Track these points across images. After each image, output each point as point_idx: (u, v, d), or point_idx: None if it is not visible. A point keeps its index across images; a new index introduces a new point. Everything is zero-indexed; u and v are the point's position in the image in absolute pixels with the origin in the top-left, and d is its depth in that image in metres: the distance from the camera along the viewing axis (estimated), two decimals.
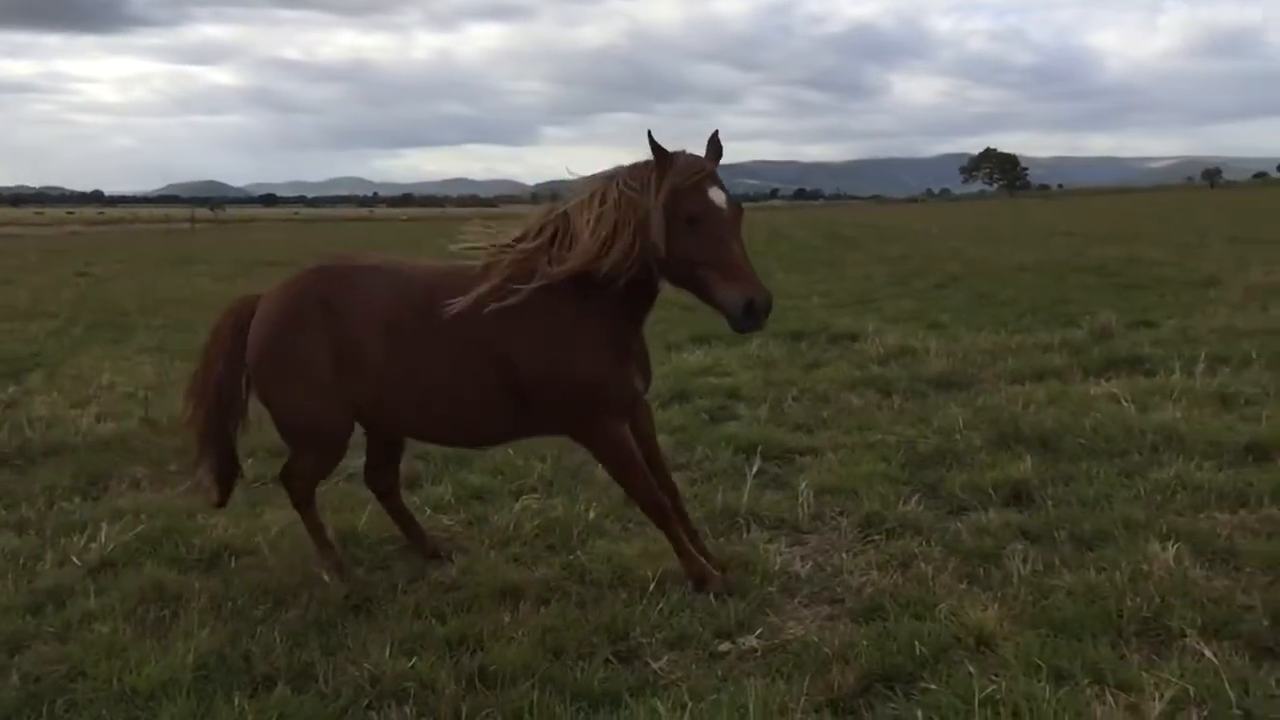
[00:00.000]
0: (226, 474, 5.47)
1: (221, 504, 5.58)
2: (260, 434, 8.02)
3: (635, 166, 4.67)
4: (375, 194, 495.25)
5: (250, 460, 7.39)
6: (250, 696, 3.99)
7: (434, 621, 4.59)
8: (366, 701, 3.97)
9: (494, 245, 4.89)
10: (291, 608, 4.81)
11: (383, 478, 5.64)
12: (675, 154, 4.54)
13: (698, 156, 4.60)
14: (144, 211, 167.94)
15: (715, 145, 4.67)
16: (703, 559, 5.01)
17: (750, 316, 4.33)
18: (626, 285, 4.64)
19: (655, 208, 4.47)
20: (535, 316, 4.71)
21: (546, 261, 4.69)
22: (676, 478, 6.77)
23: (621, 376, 4.83)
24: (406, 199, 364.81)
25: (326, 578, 5.09)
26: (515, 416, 4.92)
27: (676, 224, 4.43)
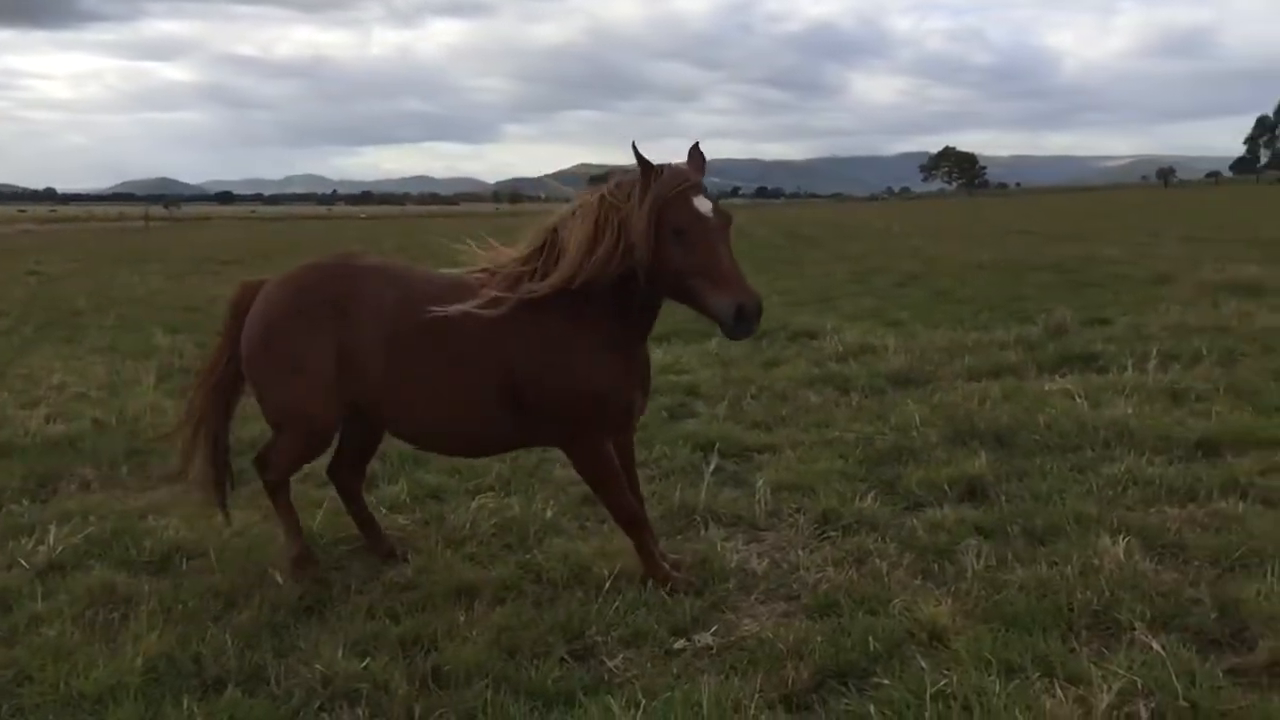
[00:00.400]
0: (220, 471, 5.46)
1: (223, 508, 5.55)
2: None
3: (621, 180, 4.68)
4: (334, 192, 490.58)
5: None
6: (200, 699, 3.93)
7: (388, 622, 4.56)
8: (319, 703, 3.93)
9: (494, 265, 4.92)
10: (243, 609, 4.75)
11: (349, 475, 5.62)
12: (660, 166, 4.54)
13: (682, 168, 4.59)
14: (98, 209, 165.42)
15: (697, 156, 4.70)
16: (666, 565, 5.01)
17: (741, 321, 4.34)
18: (624, 296, 4.65)
19: (638, 214, 4.47)
20: (535, 327, 4.72)
21: (532, 274, 4.72)
22: None
23: (620, 387, 4.83)
24: (366, 197, 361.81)
25: (280, 578, 5.03)
26: (515, 426, 4.92)
27: (664, 236, 4.43)
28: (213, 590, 4.99)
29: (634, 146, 4.59)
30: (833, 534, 5.59)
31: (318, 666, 4.09)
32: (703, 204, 4.46)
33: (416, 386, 4.89)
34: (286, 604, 4.80)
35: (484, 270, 4.94)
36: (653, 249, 4.44)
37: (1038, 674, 3.81)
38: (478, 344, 4.76)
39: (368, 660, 4.13)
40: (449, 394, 4.88)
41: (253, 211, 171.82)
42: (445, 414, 4.97)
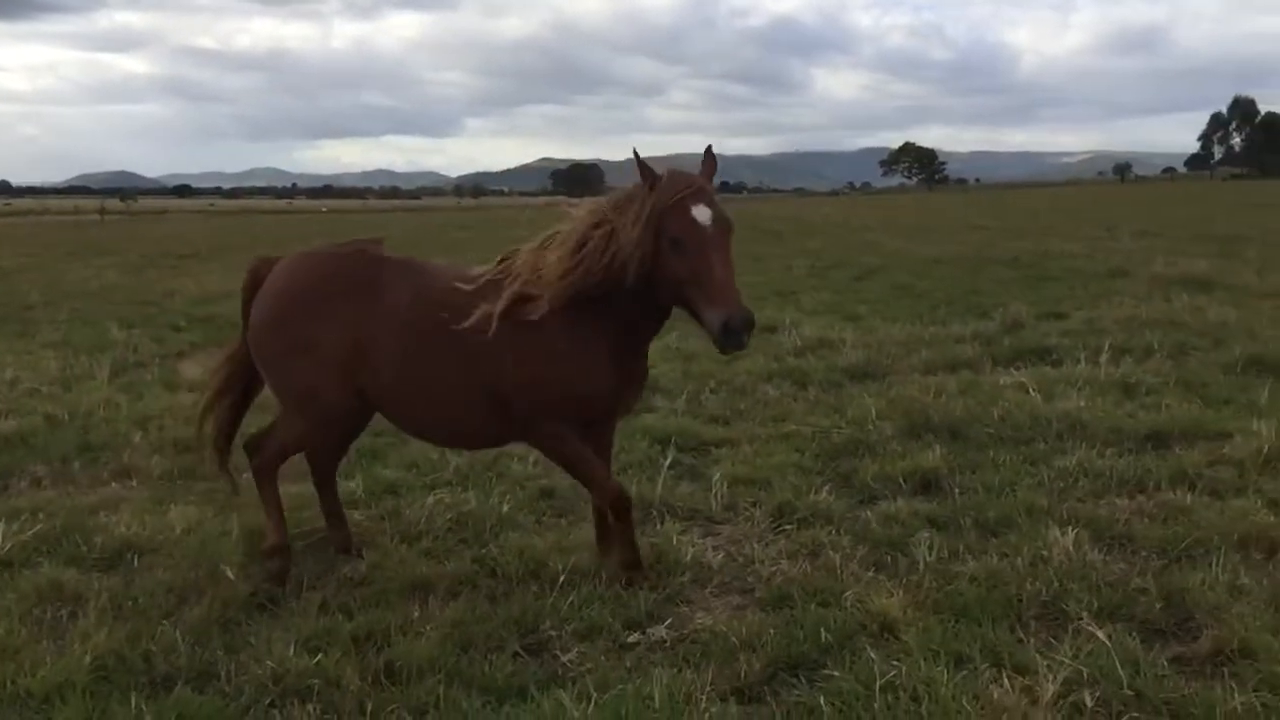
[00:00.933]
0: (223, 450, 5.57)
1: (230, 481, 5.68)
2: (164, 430, 7.88)
3: (629, 188, 4.62)
4: (294, 185, 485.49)
5: (155, 457, 7.25)
6: (149, 697, 3.89)
7: (341, 617, 4.52)
8: (269, 700, 3.90)
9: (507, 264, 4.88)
10: (194, 606, 4.69)
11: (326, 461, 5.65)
12: (661, 175, 4.48)
13: (686, 174, 4.54)
14: (53, 203, 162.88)
15: (710, 160, 4.65)
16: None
17: (728, 335, 4.26)
18: (625, 305, 4.59)
19: (633, 225, 4.43)
20: (531, 331, 4.64)
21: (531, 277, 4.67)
22: None
23: (614, 389, 4.77)
24: (326, 190, 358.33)
25: (231, 574, 4.97)
26: (506, 423, 4.89)
27: (662, 245, 4.38)
28: (164, 587, 4.93)
29: (635, 154, 4.58)
30: (788, 527, 5.62)
31: (269, 663, 4.05)
32: (701, 213, 4.38)
33: (420, 382, 4.90)
34: (238, 600, 4.75)
35: (503, 260, 4.88)
36: (653, 259, 4.39)
37: (986, 664, 3.85)
38: (477, 344, 4.71)
39: (319, 656, 4.10)
40: (448, 391, 4.88)
41: (211, 205, 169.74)
42: (444, 412, 4.98)
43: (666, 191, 4.41)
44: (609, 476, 4.93)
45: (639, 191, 4.52)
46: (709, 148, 4.69)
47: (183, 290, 19.12)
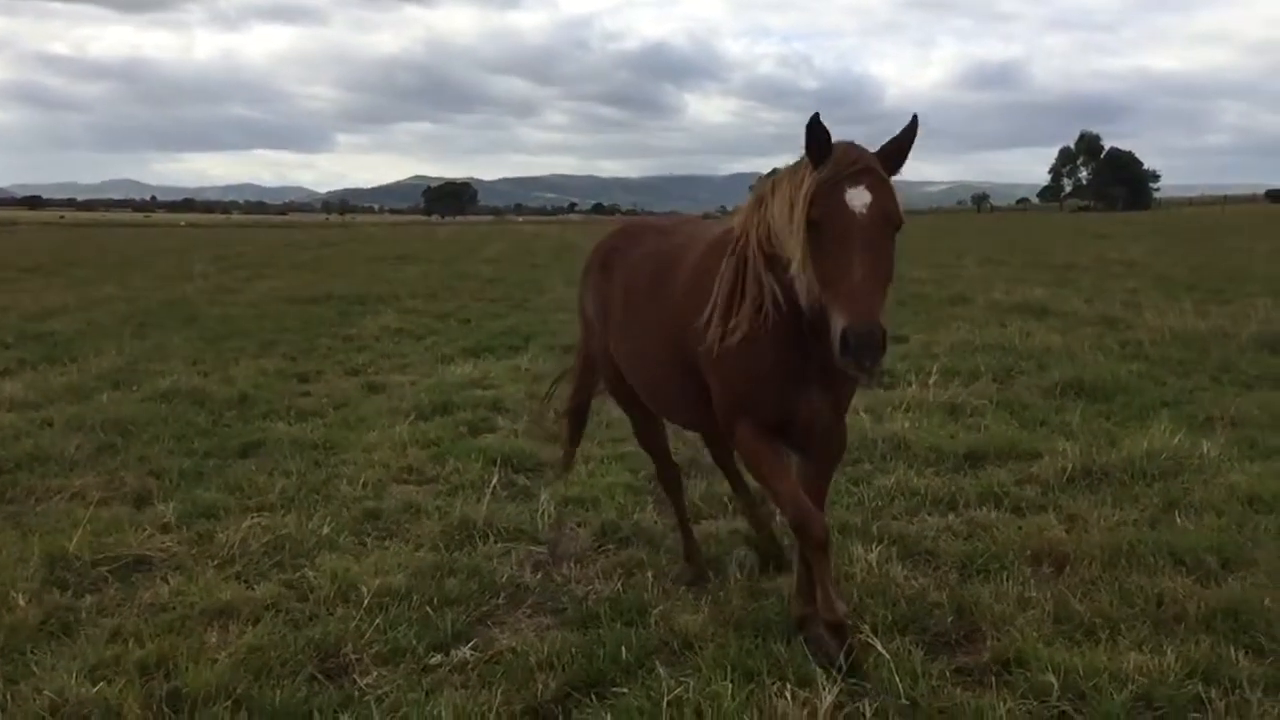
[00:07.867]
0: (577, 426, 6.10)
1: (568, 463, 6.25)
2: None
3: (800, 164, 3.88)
4: (153, 198, 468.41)
5: None
6: None
7: (132, 644, 4.37)
8: None
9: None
10: None
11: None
12: (834, 145, 3.73)
13: (857, 150, 3.73)
14: None
15: (907, 132, 3.83)
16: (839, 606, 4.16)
17: (845, 349, 3.42)
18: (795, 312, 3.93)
19: (772, 214, 3.88)
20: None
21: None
22: (424, 491, 6.71)
23: (774, 396, 4.13)
24: (187, 204, 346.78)
25: (23, 601, 4.75)
26: (696, 399, 4.50)
27: (810, 233, 3.64)
28: None
29: (815, 119, 3.67)
30: (610, 547, 5.67)
31: (48, 693, 3.90)
32: (855, 195, 3.59)
33: (635, 347, 4.94)
34: (27, 628, 4.55)
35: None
36: (806, 250, 3.66)
37: (773, 679, 3.93)
38: (673, 303, 4.50)
39: (101, 685, 3.96)
40: (656, 359, 4.75)
41: (60, 217, 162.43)
42: (658, 382, 4.89)
43: (830, 168, 3.66)
44: (799, 495, 4.12)
45: (802, 164, 3.80)
46: (914, 117, 3.84)
47: (17, 306, 18.26)
